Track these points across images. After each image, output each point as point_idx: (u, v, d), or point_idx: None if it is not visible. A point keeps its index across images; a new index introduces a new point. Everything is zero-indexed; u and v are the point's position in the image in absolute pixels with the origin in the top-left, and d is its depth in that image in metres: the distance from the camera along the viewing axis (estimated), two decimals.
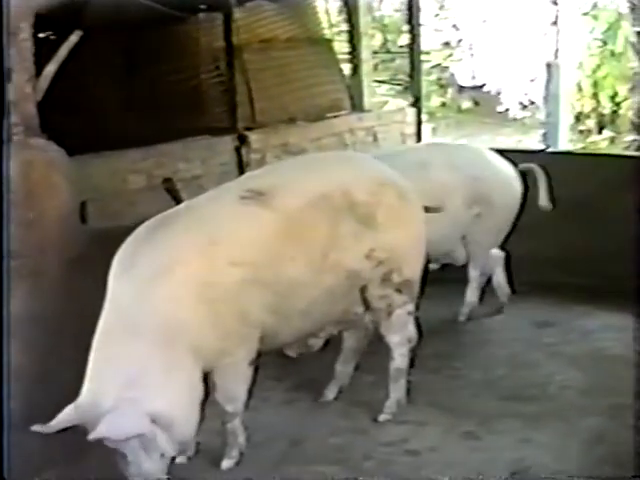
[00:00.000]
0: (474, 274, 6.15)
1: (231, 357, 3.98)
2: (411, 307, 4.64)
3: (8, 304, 3.50)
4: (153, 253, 3.82)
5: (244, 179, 4.64)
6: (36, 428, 3.46)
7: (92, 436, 3.46)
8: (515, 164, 6.11)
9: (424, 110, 8.33)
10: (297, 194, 4.14)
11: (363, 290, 4.43)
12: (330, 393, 4.94)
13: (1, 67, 3.70)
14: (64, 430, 3.53)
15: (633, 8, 11.12)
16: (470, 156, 6.07)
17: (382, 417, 4.68)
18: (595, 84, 11.56)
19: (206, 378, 3.99)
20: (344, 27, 8.34)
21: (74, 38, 4.31)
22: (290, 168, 4.61)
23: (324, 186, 4.22)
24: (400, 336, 4.63)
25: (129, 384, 3.58)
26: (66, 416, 3.53)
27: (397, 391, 4.72)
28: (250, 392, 4.18)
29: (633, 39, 11.09)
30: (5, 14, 3.61)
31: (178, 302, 3.75)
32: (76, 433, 3.56)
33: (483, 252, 6.09)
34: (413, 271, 4.59)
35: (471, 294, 6.19)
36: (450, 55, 13.42)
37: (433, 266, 5.68)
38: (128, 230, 3.97)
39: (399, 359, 4.67)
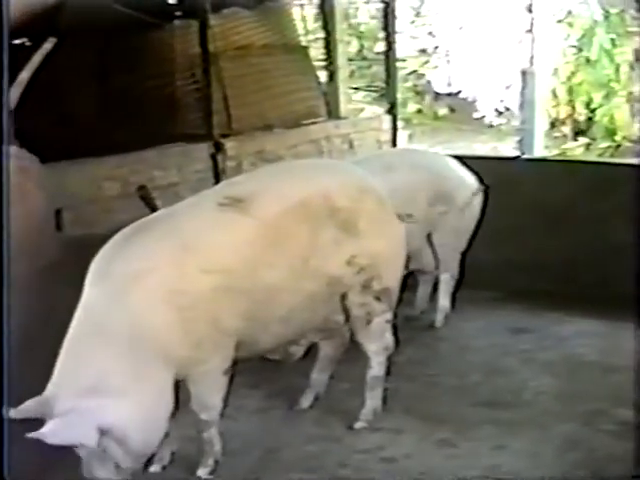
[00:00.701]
0: (444, 278, 6.20)
1: (205, 365, 3.95)
2: (389, 315, 4.64)
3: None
4: (127, 260, 3.81)
5: (224, 186, 4.65)
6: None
7: (32, 435, 3.42)
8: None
9: (400, 117, 8.34)
10: (276, 200, 4.12)
11: (343, 297, 4.43)
12: (305, 401, 4.93)
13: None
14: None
15: (607, 15, 11.19)
16: (433, 158, 6.33)
17: (358, 425, 4.67)
18: (570, 91, 11.61)
19: (178, 386, 3.98)
20: (320, 34, 8.34)
21: (48, 45, 4.30)
22: (270, 175, 4.58)
23: (304, 192, 4.22)
24: (378, 344, 4.63)
25: (87, 392, 3.56)
26: (28, 407, 3.51)
27: (373, 399, 4.71)
28: (225, 400, 4.16)
29: (608, 46, 11.17)
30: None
31: (148, 308, 3.73)
32: None
33: (451, 254, 6.17)
34: (393, 279, 4.60)
35: (443, 299, 6.22)
36: (426, 62, 13.43)
37: None
38: (103, 237, 3.96)
39: (376, 367, 4.67)
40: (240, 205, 4.01)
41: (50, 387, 3.60)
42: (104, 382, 3.59)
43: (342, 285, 4.35)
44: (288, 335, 4.41)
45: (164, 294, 3.76)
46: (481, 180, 6.17)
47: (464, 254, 6.24)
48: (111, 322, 3.68)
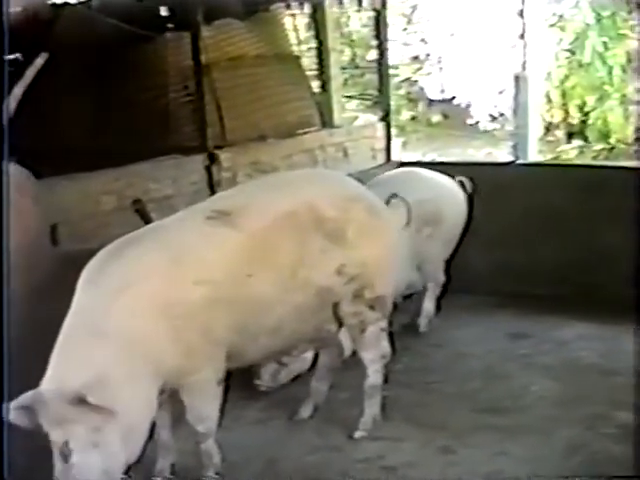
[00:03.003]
0: (430, 285, 6.28)
1: (197, 375, 3.96)
2: (384, 323, 4.65)
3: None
4: (118, 269, 3.82)
5: (213, 199, 4.72)
6: None
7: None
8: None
9: (394, 124, 8.35)
10: (263, 213, 4.16)
11: (335, 307, 4.43)
12: (305, 411, 4.93)
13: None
14: None
15: (599, 19, 11.21)
16: (412, 182, 6.18)
17: (357, 434, 4.68)
18: (564, 94, 11.60)
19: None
20: (312, 43, 8.35)
21: (40, 60, 4.31)
22: (258, 187, 4.62)
23: (290, 204, 4.25)
24: (374, 353, 4.64)
25: (92, 382, 3.50)
26: (24, 397, 3.46)
27: (372, 407, 4.72)
28: (223, 411, 4.15)
29: (600, 49, 11.18)
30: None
31: (138, 316, 3.73)
32: None
33: (437, 265, 6.25)
34: (385, 287, 4.59)
35: (428, 304, 6.28)
36: (419, 69, 13.41)
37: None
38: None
39: (373, 376, 4.67)
40: (227, 218, 4.06)
41: (52, 375, 3.54)
42: (101, 377, 3.54)
43: (333, 295, 4.36)
44: (277, 346, 4.42)
45: (155, 303, 3.77)
46: (475, 186, 6.19)
47: (450, 260, 6.30)
48: (102, 323, 3.67)
